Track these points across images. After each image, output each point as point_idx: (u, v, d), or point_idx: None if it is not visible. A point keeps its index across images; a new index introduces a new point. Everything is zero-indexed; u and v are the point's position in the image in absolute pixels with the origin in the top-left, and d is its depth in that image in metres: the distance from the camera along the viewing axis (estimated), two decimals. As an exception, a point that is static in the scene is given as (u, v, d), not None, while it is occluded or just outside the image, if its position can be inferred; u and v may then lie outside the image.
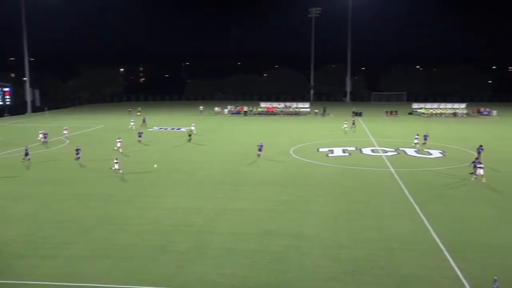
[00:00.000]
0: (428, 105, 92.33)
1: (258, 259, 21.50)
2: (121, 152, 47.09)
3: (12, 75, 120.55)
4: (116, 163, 38.48)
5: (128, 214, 28.07)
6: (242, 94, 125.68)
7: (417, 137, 50.80)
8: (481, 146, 44.13)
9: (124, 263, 21.24)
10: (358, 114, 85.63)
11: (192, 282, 19.34)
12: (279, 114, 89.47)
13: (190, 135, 56.19)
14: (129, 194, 32.44)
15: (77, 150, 43.79)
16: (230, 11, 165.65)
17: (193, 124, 64.71)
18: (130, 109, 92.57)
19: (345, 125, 64.90)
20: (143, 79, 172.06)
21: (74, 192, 33.21)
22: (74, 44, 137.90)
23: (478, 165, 35.37)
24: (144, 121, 72.63)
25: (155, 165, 38.68)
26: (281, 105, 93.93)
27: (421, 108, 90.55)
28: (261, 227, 25.73)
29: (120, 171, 38.05)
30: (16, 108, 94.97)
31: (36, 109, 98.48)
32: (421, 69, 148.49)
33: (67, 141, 56.64)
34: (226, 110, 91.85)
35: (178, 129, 68.01)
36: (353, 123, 65.97)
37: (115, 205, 29.92)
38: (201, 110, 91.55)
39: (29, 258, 21.82)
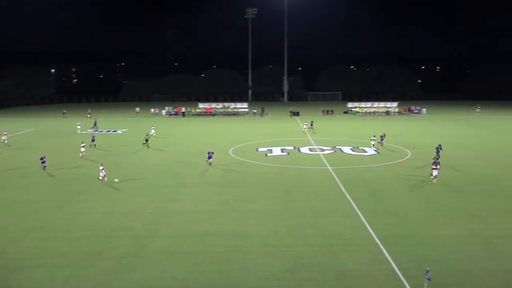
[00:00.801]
0: (363, 104, 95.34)
1: (199, 260, 21.40)
2: (81, 157, 45.40)
3: None
4: (102, 169, 36.04)
5: (61, 221, 27.08)
6: (180, 95, 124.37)
7: (373, 138, 50.82)
8: (439, 145, 44.47)
9: (59, 271, 20.48)
10: (296, 114, 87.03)
11: (131, 286, 18.94)
12: (218, 115, 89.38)
13: (147, 140, 52.25)
14: (63, 200, 31.29)
15: (42, 158, 40.45)
16: (167, 11, 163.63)
17: (153, 127, 62.43)
18: (64, 111, 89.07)
19: (305, 126, 64.61)
20: (76, 80, 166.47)
21: (2, 198, 31.62)
22: (2, 44, 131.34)
23: (434, 166, 35.31)
24: (95, 124, 69.47)
25: (116, 179, 36.08)
26: (219, 105, 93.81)
27: (355, 107, 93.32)
28: (202, 228, 25.61)
29: (106, 179, 35.86)
30: None
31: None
32: (355, 69, 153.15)
33: (-5, 145, 53.84)
34: (164, 111, 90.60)
35: (114, 131, 66.33)
36: (311, 124, 66.00)
37: (48, 212, 28.77)
38: (137, 112, 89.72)
39: (-46, 271, 20.58)
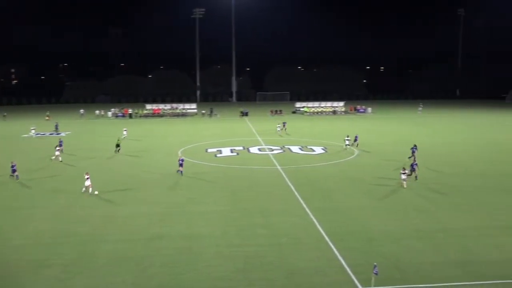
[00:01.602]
0: (310, 104, 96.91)
1: (150, 264, 21.09)
2: (61, 161, 43.31)
3: None
4: (87, 178, 32.77)
5: (4, 228, 25.99)
6: (126, 96, 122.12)
7: (347, 138, 50.21)
8: (415, 145, 43.72)
9: (1, 281, 19.64)
10: (245, 114, 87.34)
11: (78, 294, 18.47)
12: (166, 116, 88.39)
13: (118, 145, 48.34)
14: (5, 205, 30.03)
15: (13, 166, 37.25)
16: (113, 11, 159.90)
17: (124, 130, 60.18)
18: (5, 114, 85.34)
19: (278, 128, 64.29)
20: (15, 81, 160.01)
21: None
22: None
23: (403, 171, 33.94)
24: (56, 128, 66.71)
25: (96, 192, 34.06)
26: (167, 106, 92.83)
27: (303, 107, 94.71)
28: (152, 231, 25.25)
29: (90, 190, 32.71)
30: None
31: None
32: (302, 69, 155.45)
33: None
34: (109, 113, 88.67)
35: (58, 134, 64.27)
36: (284, 125, 65.24)
37: (-12, 219, 27.53)
38: (81, 113, 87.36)
39: None
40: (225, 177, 37.59)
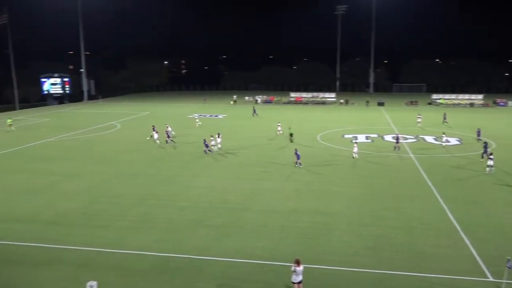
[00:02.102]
0: (447, 96, 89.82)
1: (287, 234, 21.51)
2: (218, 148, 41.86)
3: (71, 67, 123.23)
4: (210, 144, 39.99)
5: (170, 192, 28.48)
6: (274, 84, 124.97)
7: (443, 135, 44.60)
8: (479, 129, 41.92)
9: (168, 234, 21.60)
10: (380, 104, 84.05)
11: (227, 252, 19.51)
12: (307, 103, 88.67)
13: (291, 134, 46.37)
14: (171, 174, 32.88)
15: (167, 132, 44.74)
16: (266, 11, 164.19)
17: (278, 123, 52.51)
18: (205, 98, 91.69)
19: (419, 119, 56.97)
20: (184, 71, 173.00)
21: (121, 171, 33.86)
22: (124, 39, 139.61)
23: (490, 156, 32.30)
24: (254, 112, 67.99)
25: (148, 138, 39.90)
26: (309, 95, 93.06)
27: (440, 99, 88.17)
28: (289, 205, 25.69)
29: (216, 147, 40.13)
30: (74, 96, 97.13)
31: (91, 97, 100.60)
32: (440, 62, 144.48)
33: (118, 125, 57.69)
34: (258, 99, 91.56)
35: (216, 116, 68.24)
36: (444, 117, 58.02)
37: (157, 184, 30.39)
38: (234, 99, 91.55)
39: (85, 228, 22.46)
40: (359, 161, 36.65)
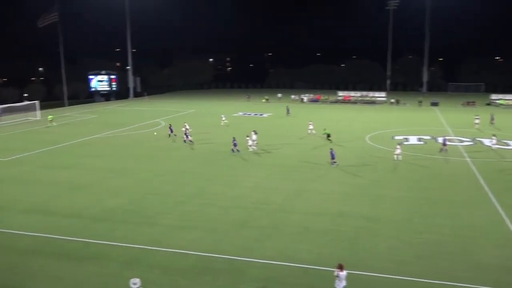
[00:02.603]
0: (507, 96, 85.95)
1: (332, 237, 21.31)
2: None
3: (118, 64, 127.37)
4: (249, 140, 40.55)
5: (215, 191, 28.87)
6: (321, 83, 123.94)
7: None
8: None
9: (211, 234, 21.92)
10: (434, 104, 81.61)
11: (270, 254, 19.57)
12: (356, 103, 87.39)
13: (329, 135, 45.91)
14: (216, 173, 33.33)
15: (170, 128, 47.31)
16: (311, 5, 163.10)
17: (309, 122, 51.41)
18: (248, 96, 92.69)
19: (477, 121, 54.30)
20: (229, 68, 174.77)
21: (167, 169, 34.63)
22: (169, 37, 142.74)
23: None
24: (288, 111, 68.47)
25: (155, 133, 40.34)
26: (358, 94, 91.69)
27: (499, 99, 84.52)
28: (335, 208, 25.44)
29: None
30: (120, 93, 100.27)
31: (137, 94, 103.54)
32: (500, 60, 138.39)
33: (163, 123, 59.06)
34: (305, 98, 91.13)
35: (260, 114, 68.52)
36: (492, 119, 56.54)
37: (204, 182, 30.88)
38: (279, 97, 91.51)
39: (130, 224, 23.17)
40: (411, 164, 35.76)
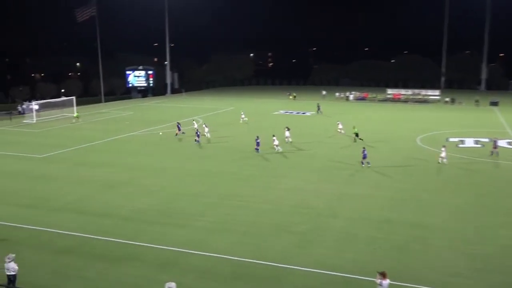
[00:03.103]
0: None
1: (378, 246, 20.82)
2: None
3: (155, 59, 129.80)
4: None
5: (250, 193, 28.85)
6: (368, 80, 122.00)
7: None
8: None
9: (248, 238, 21.88)
10: (493, 104, 78.69)
11: (312, 262, 19.32)
12: (406, 101, 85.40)
13: (357, 134, 45.38)
14: (251, 174, 33.31)
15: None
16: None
17: (338, 123, 50.83)
18: (294, 94, 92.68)
19: None
20: (271, 64, 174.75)
21: (202, 169, 34.91)
22: (208, 31, 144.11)
23: None
24: (319, 109, 68.44)
25: (160, 133, 43.12)
26: (408, 92, 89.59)
27: None
28: (382, 214, 24.89)
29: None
30: (158, 89, 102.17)
31: (174, 91, 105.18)
32: None
33: (200, 121, 59.70)
34: (351, 96, 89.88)
35: (303, 113, 68.09)
36: None
37: (238, 183, 30.92)
38: (323, 95, 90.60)
39: (163, 226, 23.46)
40: (466, 169, 34.55)
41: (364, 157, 35.04)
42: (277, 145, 40.21)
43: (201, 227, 23.25)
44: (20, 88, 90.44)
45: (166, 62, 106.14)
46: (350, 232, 22.51)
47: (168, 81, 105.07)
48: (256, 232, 22.56)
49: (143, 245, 21.05)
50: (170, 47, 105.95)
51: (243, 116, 59.01)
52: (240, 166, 35.55)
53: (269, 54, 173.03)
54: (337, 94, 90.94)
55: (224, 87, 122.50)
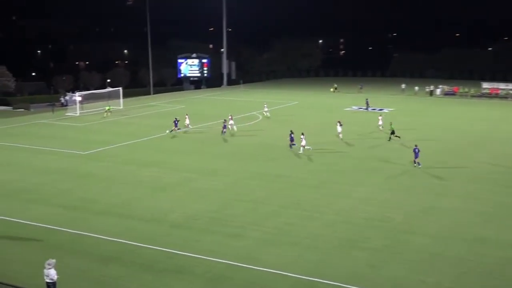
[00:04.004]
0: None
1: (467, 270, 20.20)
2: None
3: (210, 46, 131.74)
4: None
5: (316, 201, 28.76)
6: (460, 72, 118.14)
7: None
8: None
9: (311, 253, 21.85)
10: None
11: (385, 283, 19.04)
12: (506, 97, 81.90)
13: (393, 132, 45.73)
14: (320, 179, 33.19)
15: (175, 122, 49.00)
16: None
17: (379, 117, 52.99)
18: (361, 86, 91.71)
19: None
20: (342, 52, 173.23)
21: (262, 171, 35.15)
22: (270, 14, 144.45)
23: None
24: (367, 104, 68.12)
25: (167, 131, 45.51)
26: (509, 86, 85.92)
27: None
28: (473, 231, 24.13)
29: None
30: (212, 80, 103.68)
31: (231, 82, 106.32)
32: None
33: (260, 117, 60.07)
34: (437, 90, 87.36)
35: (380, 109, 66.99)
36: None
37: (305, 190, 30.91)
38: (403, 89, 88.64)
39: (215, 235, 23.87)
40: None
41: (416, 156, 35.90)
42: (304, 146, 40.19)
43: (258, 238, 23.46)
44: (63, 77, 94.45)
45: (222, 50, 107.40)
46: (433, 251, 21.98)
47: (225, 71, 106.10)
48: (321, 247, 22.49)
49: (192, 256, 21.52)
50: (227, 32, 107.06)
51: (265, 108, 61.10)
52: (305, 170, 35.55)
53: (341, 40, 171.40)
54: (416, 88, 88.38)
55: (287, 78, 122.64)
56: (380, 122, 50.84)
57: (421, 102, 75.35)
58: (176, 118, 50.27)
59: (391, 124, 46.35)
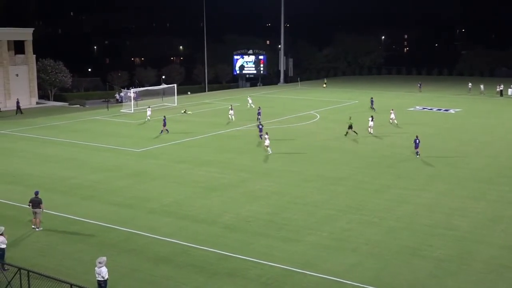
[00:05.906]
0: None
1: (541, 284, 19.45)
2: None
3: (267, 42, 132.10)
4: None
5: (379, 206, 28.39)
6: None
7: None
8: None
9: (371, 260, 21.59)
10: None
11: (450, 297, 18.60)
12: None
13: (350, 126, 46.54)
14: (382, 183, 32.74)
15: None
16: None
17: (391, 110, 55.19)
18: (419, 84, 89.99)
19: None
20: (406, 49, 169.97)
21: (320, 174, 34.98)
22: (330, 8, 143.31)
23: None
24: (372, 104, 66.95)
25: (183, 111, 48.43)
26: None
27: None
28: (549, 244, 23.19)
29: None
30: (268, 78, 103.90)
31: (288, 80, 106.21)
32: None
33: (318, 116, 59.82)
34: (510, 90, 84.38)
35: (446, 110, 65.40)
36: None
37: (365, 194, 30.58)
38: (469, 88, 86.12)
39: (269, 238, 23.94)
40: None
41: (416, 146, 38.45)
42: (268, 146, 40.26)
43: (315, 243, 23.37)
44: (119, 73, 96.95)
45: (280, 46, 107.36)
46: (504, 264, 21.29)
47: (282, 68, 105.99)
48: (381, 254, 22.18)
49: (247, 259, 21.66)
50: (285, 27, 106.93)
51: (250, 101, 66.34)
52: (372, 173, 35.14)
53: (405, 36, 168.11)
54: (481, 86, 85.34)
55: (348, 76, 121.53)
56: (392, 116, 53.71)
57: (490, 103, 73.01)
58: (164, 116, 50.45)
59: (350, 118, 48.45)
